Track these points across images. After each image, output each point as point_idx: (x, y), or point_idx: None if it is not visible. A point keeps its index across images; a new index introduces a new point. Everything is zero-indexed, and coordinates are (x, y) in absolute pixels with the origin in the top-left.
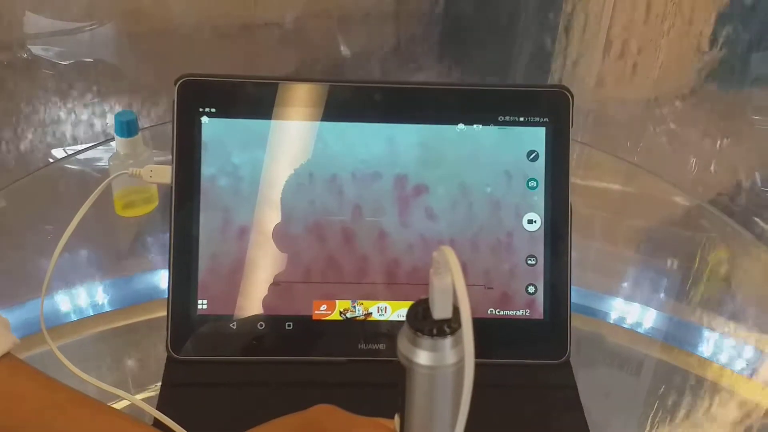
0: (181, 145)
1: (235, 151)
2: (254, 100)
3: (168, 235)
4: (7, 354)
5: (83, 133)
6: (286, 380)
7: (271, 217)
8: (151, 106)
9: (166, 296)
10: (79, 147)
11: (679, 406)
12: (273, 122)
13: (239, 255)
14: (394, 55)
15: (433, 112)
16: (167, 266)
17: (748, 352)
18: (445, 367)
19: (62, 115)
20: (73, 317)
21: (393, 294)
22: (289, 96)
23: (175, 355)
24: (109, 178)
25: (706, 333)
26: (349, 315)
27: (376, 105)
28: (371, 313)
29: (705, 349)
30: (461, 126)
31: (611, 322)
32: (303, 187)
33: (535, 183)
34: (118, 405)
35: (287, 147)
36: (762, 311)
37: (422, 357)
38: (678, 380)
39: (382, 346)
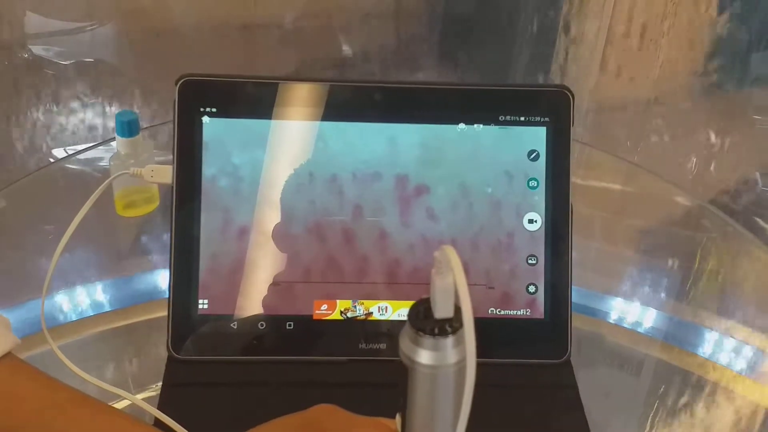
0: (182, 145)
1: (235, 150)
2: (255, 100)
3: (169, 235)
4: (8, 354)
5: (84, 133)
6: (287, 380)
7: (271, 217)
8: (152, 105)
9: (167, 296)
10: (80, 147)
11: (679, 406)
12: (273, 122)
13: (240, 255)
14: (394, 55)
15: (433, 112)
16: (168, 266)
17: (748, 352)
18: (446, 366)
19: (63, 114)
20: (74, 317)
21: (394, 294)
22: (289, 96)
23: (175, 355)
24: (110, 178)
25: (707, 333)
26: (349, 315)
27: (377, 105)
28: (372, 313)
29: (705, 349)
30: (462, 126)
31: (611, 321)
32: (303, 187)
33: (535, 183)
34: (119, 405)
35: (288, 147)
36: (762, 311)
37: (424, 356)
38: (678, 380)
39: (382, 346)
